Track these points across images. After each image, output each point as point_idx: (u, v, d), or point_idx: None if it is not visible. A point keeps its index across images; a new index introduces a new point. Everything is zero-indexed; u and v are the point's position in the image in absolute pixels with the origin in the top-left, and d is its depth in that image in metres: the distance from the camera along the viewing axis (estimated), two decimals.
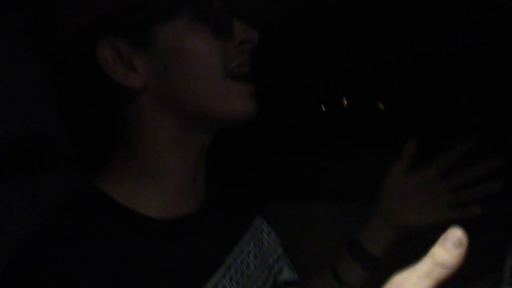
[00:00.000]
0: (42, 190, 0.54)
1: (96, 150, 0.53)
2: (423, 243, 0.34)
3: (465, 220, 0.64)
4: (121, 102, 0.49)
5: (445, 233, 0.32)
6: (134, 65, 0.47)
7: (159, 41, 0.47)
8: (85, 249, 0.43)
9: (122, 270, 0.44)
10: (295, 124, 1.04)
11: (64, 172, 0.57)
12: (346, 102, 1.16)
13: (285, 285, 0.61)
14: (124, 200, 0.49)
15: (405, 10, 0.88)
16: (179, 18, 0.48)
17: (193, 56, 0.48)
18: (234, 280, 0.53)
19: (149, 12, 0.47)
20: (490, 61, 0.93)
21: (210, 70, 0.49)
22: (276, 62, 0.98)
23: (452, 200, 0.66)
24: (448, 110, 1.01)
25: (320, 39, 0.99)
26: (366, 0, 0.87)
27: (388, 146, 0.73)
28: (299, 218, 0.91)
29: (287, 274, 0.63)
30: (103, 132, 0.52)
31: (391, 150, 0.71)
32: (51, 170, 0.56)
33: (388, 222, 0.68)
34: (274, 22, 0.84)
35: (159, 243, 0.49)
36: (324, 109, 1.13)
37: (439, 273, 0.31)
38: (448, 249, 0.31)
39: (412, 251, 0.34)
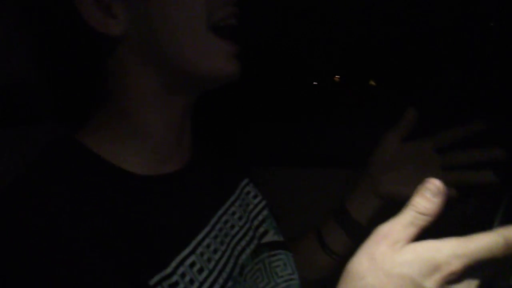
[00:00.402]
0: (26, 143, 0.53)
1: (78, 103, 0.52)
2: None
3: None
4: (100, 51, 0.47)
5: (423, 183, 0.35)
6: (113, 12, 0.46)
7: None
8: (67, 201, 0.42)
9: (106, 224, 0.42)
10: (287, 92, 1.04)
11: (50, 125, 0.55)
12: (338, 77, 1.15)
13: (269, 246, 0.61)
14: (107, 156, 0.48)
15: None
16: None
17: (175, 3, 0.46)
18: (218, 239, 0.53)
19: None
20: (483, 37, 0.93)
21: (192, 21, 0.47)
22: (271, 34, 0.98)
23: (443, 178, 0.65)
24: (441, 86, 1.01)
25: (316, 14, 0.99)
26: None
27: (380, 116, 0.72)
28: (290, 183, 0.91)
29: (271, 236, 0.63)
30: (83, 84, 0.50)
31: (385, 119, 0.70)
32: (36, 122, 0.54)
33: (375, 190, 0.68)
34: None
35: (142, 199, 0.48)
36: (315, 83, 1.12)
37: (421, 221, 0.34)
38: (428, 198, 0.34)
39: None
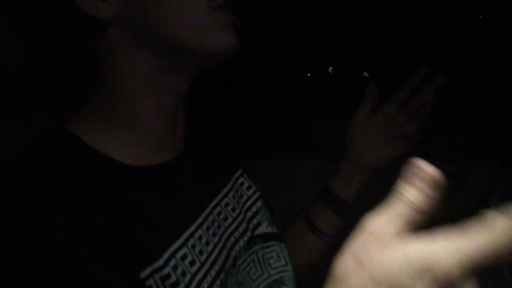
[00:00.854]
0: (13, 134, 0.52)
1: (68, 91, 0.51)
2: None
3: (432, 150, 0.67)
4: (89, 35, 0.46)
5: (406, 165, 0.30)
6: None
7: None
8: (55, 192, 0.40)
9: (96, 215, 0.41)
10: (280, 83, 1.03)
11: (37, 115, 0.54)
12: (331, 69, 1.15)
13: (262, 238, 0.60)
14: (97, 145, 0.47)
15: None
16: None
17: None
18: (211, 231, 0.52)
19: None
20: (472, 29, 0.94)
21: (191, 2, 0.46)
22: (265, 26, 0.97)
23: (411, 129, 0.69)
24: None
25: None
26: None
27: (374, 108, 0.73)
28: (284, 174, 0.92)
29: (265, 228, 0.62)
30: (73, 71, 0.49)
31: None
32: (23, 113, 0.53)
33: (355, 165, 0.71)
34: None
35: (133, 190, 0.47)
36: (309, 75, 1.12)
37: (410, 210, 0.29)
38: (412, 182, 0.29)
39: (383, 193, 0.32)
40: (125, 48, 0.46)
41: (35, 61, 0.50)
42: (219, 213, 0.55)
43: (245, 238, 0.58)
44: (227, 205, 0.58)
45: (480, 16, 0.98)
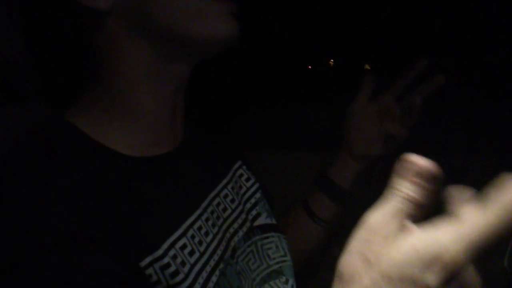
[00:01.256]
0: (13, 124, 0.52)
1: (67, 82, 0.50)
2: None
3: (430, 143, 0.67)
4: (87, 27, 0.46)
5: (400, 162, 0.30)
6: None
7: None
8: (55, 183, 0.41)
9: (96, 206, 0.42)
10: (280, 76, 1.03)
11: (36, 106, 0.54)
12: (332, 61, 1.14)
13: (261, 229, 0.61)
14: (97, 136, 0.47)
15: None
16: None
17: None
18: (210, 221, 0.52)
19: None
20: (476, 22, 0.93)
21: None
22: (265, 18, 0.97)
23: (407, 121, 0.69)
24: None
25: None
26: None
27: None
28: (284, 166, 0.92)
29: (264, 219, 0.62)
30: (72, 62, 0.49)
31: None
32: (21, 103, 0.53)
33: (351, 153, 0.72)
34: None
35: (133, 181, 0.47)
36: (309, 67, 1.12)
37: (408, 204, 0.29)
38: (408, 179, 0.29)
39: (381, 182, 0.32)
40: (123, 39, 0.46)
41: (33, 53, 0.50)
42: (218, 204, 0.56)
43: (244, 229, 0.58)
44: (226, 196, 0.58)
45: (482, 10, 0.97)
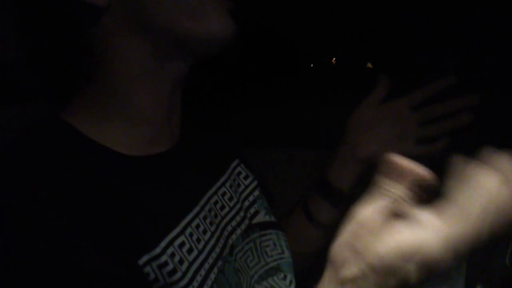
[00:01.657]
0: (9, 123, 0.52)
1: (63, 81, 0.50)
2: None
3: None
4: (84, 23, 0.46)
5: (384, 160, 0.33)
6: None
7: None
8: (51, 182, 0.41)
9: (93, 205, 0.42)
10: (283, 73, 1.03)
11: (35, 106, 0.54)
12: (334, 60, 1.14)
13: (260, 226, 0.61)
14: (93, 135, 0.47)
15: None
16: None
17: None
18: (207, 220, 0.52)
19: None
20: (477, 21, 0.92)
21: None
22: (267, 16, 0.97)
23: (420, 134, 0.67)
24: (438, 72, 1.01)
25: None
26: None
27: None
28: (283, 164, 0.92)
29: (262, 217, 0.62)
30: (68, 59, 0.48)
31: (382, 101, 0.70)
32: (20, 102, 0.53)
33: (353, 154, 0.68)
34: None
35: (130, 180, 0.47)
36: (312, 65, 1.11)
37: (395, 201, 0.32)
38: (394, 178, 0.32)
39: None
40: (120, 36, 0.46)
41: (29, 49, 0.50)
42: (216, 202, 0.56)
43: (243, 227, 0.58)
44: (224, 194, 0.58)
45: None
